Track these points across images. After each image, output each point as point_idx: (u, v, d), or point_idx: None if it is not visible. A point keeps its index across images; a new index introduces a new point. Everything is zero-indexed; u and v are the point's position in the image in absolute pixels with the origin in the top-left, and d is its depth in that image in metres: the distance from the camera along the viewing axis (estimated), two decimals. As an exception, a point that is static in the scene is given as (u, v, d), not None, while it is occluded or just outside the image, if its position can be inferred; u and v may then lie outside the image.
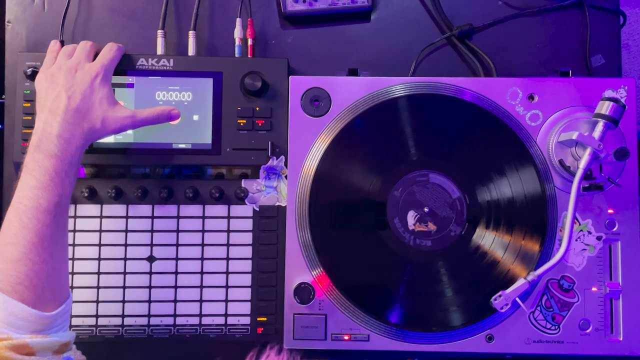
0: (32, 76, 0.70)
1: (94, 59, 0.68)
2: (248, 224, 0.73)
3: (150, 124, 0.69)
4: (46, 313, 0.55)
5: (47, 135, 0.60)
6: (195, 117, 0.73)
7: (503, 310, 0.67)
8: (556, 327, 0.70)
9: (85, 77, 0.65)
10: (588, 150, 0.66)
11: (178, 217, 0.72)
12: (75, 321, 0.70)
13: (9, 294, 0.53)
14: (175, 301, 0.72)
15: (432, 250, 0.70)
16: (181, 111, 0.71)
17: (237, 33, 0.77)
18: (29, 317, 0.54)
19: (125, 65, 0.72)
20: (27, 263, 0.55)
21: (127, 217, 0.72)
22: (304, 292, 0.69)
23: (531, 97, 0.72)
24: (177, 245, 0.72)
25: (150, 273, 0.72)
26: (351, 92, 0.72)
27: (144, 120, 0.68)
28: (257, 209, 0.73)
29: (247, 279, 0.72)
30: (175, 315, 0.71)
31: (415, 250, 0.70)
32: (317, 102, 0.72)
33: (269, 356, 0.56)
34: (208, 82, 0.73)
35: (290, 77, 0.73)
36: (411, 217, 0.70)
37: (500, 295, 0.67)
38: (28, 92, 0.71)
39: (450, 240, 0.70)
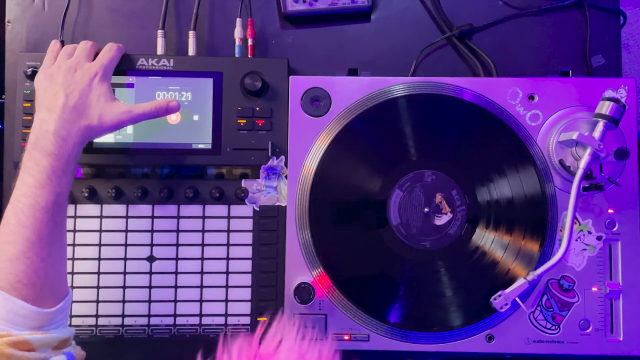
0: (32, 76, 0.70)
1: (94, 59, 0.68)
2: (248, 224, 0.73)
3: (149, 118, 0.67)
4: (45, 310, 0.55)
5: (44, 133, 0.60)
6: (195, 117, 0.73)
7: (503, 310, 0.67)
8: (556, 327, 0.70)
9: (84, 76, 0.65)
10: (588, 150, 0.66)
11: (178, 217, 0.72)
12: (75, 321, 0.70)
13: (8, 291, 0.54)
14: (175, 301, 0.72)
15: (432, 250, 0.70)
16: (181, 111, 0.71)
17: (237, 33, 0.77)
18: (29, 314, 0.54)
19: (125, 65, 0.72)
20: (26, 261, 0.55)
21: (127, 217, 0.72)
22: (304, 292, 0.69)
23: (531, 97, 0.72)
24: (177, 245, 0.72)
25: (150, 273, 0.72)
26: (351, 92, 0.72)
27: (142, 115, 0.66)
28: (257, 209, 0.73)
29: (247, 279, 0.72)
30: (175, 315, 0.71)
31: (415, 250, 0.70)
32: (317, 102, 0.72)
33: (281, 321, 0.57)
34: (208, 82, 0.73)
35: (290, 77, 0.73)
36: (439, 196, 0.69)
37: (500, 295, 0.67)
38: (28, 92, 0.71)
39: (450, 240, 0.70)
